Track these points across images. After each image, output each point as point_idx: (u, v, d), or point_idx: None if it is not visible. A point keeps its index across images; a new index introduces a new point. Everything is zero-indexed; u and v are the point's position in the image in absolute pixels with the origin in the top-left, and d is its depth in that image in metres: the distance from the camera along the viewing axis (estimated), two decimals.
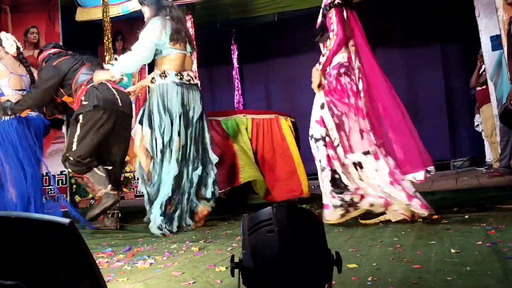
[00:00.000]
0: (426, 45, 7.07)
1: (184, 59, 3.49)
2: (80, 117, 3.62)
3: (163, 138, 3.29)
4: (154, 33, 3.34)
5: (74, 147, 3.63)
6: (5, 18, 6.01)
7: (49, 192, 5.91)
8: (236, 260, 1.26)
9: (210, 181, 3.50)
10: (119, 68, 3.42)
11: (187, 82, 3.44)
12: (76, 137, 3.63)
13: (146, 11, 3.52)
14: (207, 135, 3.54)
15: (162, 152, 3.29)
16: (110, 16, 5.74)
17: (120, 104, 3.69)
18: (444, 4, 6.54)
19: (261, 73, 7.83)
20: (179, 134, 3.32)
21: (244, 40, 7.40)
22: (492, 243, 2.06)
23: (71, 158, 3.65)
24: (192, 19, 6.30)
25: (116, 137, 3.79)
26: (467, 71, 6.15)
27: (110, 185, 3.68)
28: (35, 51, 5.91)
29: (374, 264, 1.89)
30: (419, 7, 6.64)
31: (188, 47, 3.53)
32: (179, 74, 3.41)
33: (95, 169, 3.69)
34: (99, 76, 3.61)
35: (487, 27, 5.06)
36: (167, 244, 2.80)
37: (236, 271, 1.24)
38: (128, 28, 6.98)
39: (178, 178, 3.31)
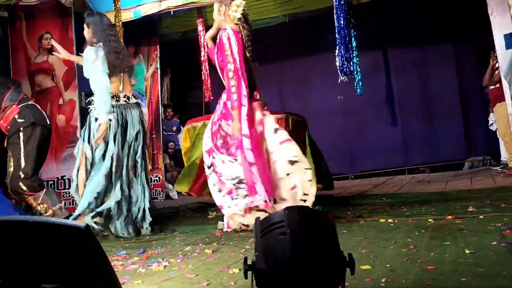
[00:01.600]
0: (439, 43, 7.02)
1: (120, 83, 3.67)
2: (21, 134, 3.82)
3: (94, 153, 3.49)
4: (103, 63, 3.49)
5: (23, 163, 3.81)
6: (20, 24, 6.10)
7: (64, 196, 5.98)
8: (249, 262, 1.27)
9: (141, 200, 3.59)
10: (104, 112, 3.45)
11: (124, 103, 3.62)
12: (22, 153, 3.81)
13: (88, 33, 3.65)
14: (140, 151, 3.65)
15: (92, 165, 3.49)
16: (122, 21, 5.80)
17: (48, 122, 4.04)
18: (456, 2, 6.48)
19: (273, 74, 7.84)
20: (112, 150, 3.48)
21: (255, 42, 7.41)
22: (508, 243, 2.04)
23: (23, 174, 3.80)
24: (203, 22, 6.34)
25: (46, 153, 4.15)
26: (481, 70, 6.09)
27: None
28: (49, 56, 6.00)
29: (388, 265, 1.89)
30: (431, 5, 6.59)
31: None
32: (115, 97, 3.58)
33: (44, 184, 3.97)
34: (99, 134, 3.53)
35: (500, 25, 5.01)
36: (181, 246, 2.83)
37: (249, 273, 1.25)
38: (140, 32, 7.05)
39: (106, 191, 3.46)
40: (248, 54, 3.37)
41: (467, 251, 1.98)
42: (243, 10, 3.34)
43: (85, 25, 3.69)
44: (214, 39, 3.40)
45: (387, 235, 2.53)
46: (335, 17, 4.98)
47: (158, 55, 6.98)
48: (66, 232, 1.42)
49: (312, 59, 7.41)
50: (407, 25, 6.99)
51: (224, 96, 3.34)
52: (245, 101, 3.14)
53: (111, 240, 3.33)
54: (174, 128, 7.66)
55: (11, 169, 3.86)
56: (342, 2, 4.83)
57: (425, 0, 6.33)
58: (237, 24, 3.33)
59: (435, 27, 6.86)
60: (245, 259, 1.27)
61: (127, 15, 6.07)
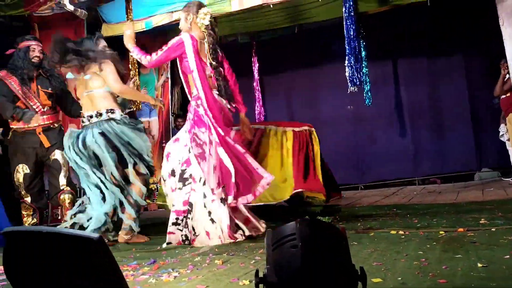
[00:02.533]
0: (449, 53, 7.00)
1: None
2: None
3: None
4: None
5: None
6: (33, 34, 6.18)
7: None
8: (260, 274, 1.27)
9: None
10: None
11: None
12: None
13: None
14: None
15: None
16: (134, 32, 5.86)
17: None
18: (466, 12, 6.48)
19: (281, 84, 7.86)
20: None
21: (264, 52, 7.44)
22: None
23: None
24: None
25: None
26: (492, 80, 6.06)
27: None
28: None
29: (399, 278, 1.88)
30: (440, 15, 6.59)
31: None
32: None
33: None
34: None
35: (511, 36, 4.98)
36: (191, 256, 2.83)
37: (261, 285, 1.25)
38: (151, 41, 7.12)
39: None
40: (211, 61, 3.47)
41: (479, 265, 1.96)
42: (210, 18, 3.49)
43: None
44: None
45: (398, 247, 2.51)
46: (344, 27, 5.01)
47: (169, 65, 7.03)
48: (81, 242, 1.44)
49: (321, 69, 7.43)
50: (416, 35, 6.99)
51: (193, 103, 3.43)
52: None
53: (122, 250, 3.35)
54: None
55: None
56: (352, 13, 4.85)
57: (434, 10, 6.32)
58: (203, 32, 3.47)
59: (444, 37, 6.85)
60: (257, 271, 1.27)
61: (139, 26, 6.14)
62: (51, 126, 4.20)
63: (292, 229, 1.29)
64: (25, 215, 4.14)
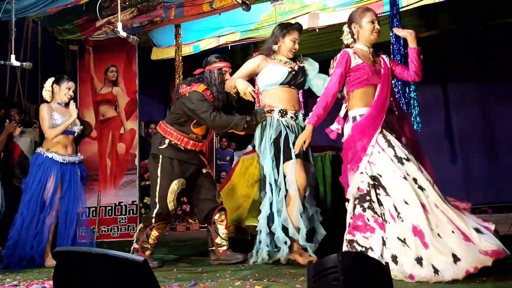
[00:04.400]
0: (501, 78, 6.76)
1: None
2: None
3: None
4: None
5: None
6: (88, 58, 6.51)
7: (120, 221, 6.19)
8: None
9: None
10: None
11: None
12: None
13: None
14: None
15: None
16: (182, 55, 6.06)
17: None
18: None
19: None
20: None
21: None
22: None
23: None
24: None
25: None
26: None
27: None
28: (114, 88, 6.34)
29: None
30: (492, 39, 6.40)
31: None
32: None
33: None
34: None
35: None
36: (231, 280, 2.83)
37: None
38: (197, 65, 7.31)
39: None
40: None
41: None
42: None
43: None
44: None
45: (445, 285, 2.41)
46: (391, 51, 4.96)
47: None
48: (127, 265, 1.49)
49: None
50: (467, 58, 6.81)
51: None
52: None
53: (164, 271, 3.40)
54: (228, 158, 7.78)
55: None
56: (401, 39, 4.81)
57: (485, 34, 6.16)
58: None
59: (496, 61, 6.63)
60: None
61: (187, 50, 6.36)
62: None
63: (334, 261, 1.27)
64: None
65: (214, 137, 7.50)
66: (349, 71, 2.88)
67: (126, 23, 5.41)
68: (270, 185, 3.35)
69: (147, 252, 3.66)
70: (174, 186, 3.60)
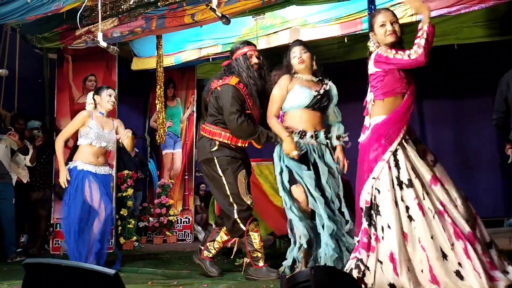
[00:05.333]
0: (476, 95, 6.92)
1: None
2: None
3: None
4: None
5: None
6: (67, 66, 6.43)
7: None
8: None
9: None
10: None
11: None
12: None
13: None
14: None
15: None
16: (163, 66, 6.05)
17: None
18: (494, 52, 6.42)
19: None
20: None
21: None
22: None
23: None
24: None
25: None
26: None
27: None
28: None
29: None
30: (468, 56, 6.56)
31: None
32: None
33: None
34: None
35: None
36: None
37: None
38: (179, 76, 7.31)
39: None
40: None
41: None
42: None
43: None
44: None
45: None
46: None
47: (195, 98, 7.18)
48: (98, 278, 1.46)
49: (347, 108, 7.42)
50: (442, 75, 6.96)
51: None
52: None
53: (139, 283, 3.34)
54: None
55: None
56: None
57: (462, 51, 6.31)
58: None
59: (471, 79, 6.80)
60: None
61: (168, 61, 6.35)
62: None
63: (306, 275, 1.27)
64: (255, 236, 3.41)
65: (194, 149, 7.47)
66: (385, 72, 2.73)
67: (106, 33, 5.37)
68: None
69: (261, 261, 3.38)
70: (241, 177, 3.42)
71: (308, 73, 3.39)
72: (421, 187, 2.58)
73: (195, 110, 7.20)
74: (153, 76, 6.22)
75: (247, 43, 3.64)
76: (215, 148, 3.46)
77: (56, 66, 6.46)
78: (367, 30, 5.10)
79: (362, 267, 2.42)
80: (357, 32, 5.44)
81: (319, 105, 3.33)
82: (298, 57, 3.34)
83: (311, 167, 3.22)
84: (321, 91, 3.35)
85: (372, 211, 2.61)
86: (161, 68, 5.97)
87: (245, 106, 3.45)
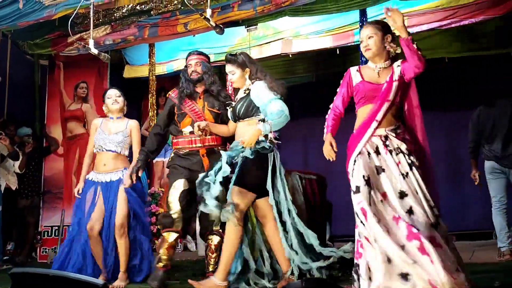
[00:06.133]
0: (467, 107, 6.95)
1: None
2: None
3: None
4: None
5: None
6: (58, 73, 6.41)
7: None
8: None
9: None
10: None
11: None
12: None
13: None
14: None
15: None
16: (155, 74, 6.05)
17: None
18: (485, 66, 6.49)
19: (298, 131, 7.90)
20: None
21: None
22: None
23: None
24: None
25: None
26: None
27: None
28: (83, 105, 6.23)
29: None
30: (460, 69, 6.62)
31: None
32: None
33: None
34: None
35: None
36: None
37: None
38: (171, 84, 7.29)
39: None
40: None
41: None
42: None
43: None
44: None
45: None
46: None
47: None
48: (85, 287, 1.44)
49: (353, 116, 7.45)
50: (435, 88, 7.01)
51: None
52: None
53: None
54: None
55: None
56: None
57: (455, 63, 6.37)
58: None
59: (463, 91, 6.84)
60: None
61: (161, 69, 6.35)
62: (215, 148, 3.69)
63: (298, 287, 1.27)
64: (164, 250, 3.49)
65: None
66: (353, 89, 2.92)
67: (99, 40, 5.36)
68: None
69: (161, 263, 3.47)
70: (177, 185, 3.52)
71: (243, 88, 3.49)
72: (368, 194, 2.62)
73: None
74: (144, 84, 6.21)
75: (198, 53, 3.88)
76: (170, 157, 3.77)
77: (47, 73, 6.44)
78: (359, 42, 5.21)
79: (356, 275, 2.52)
80: (348, 44, 5.50)
81: (238, 115, 3.40)
82: (229, 74, 3.44)
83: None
84: (232, 103, 3.49)
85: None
86: (154, 77, 5.97)
87: (172, 112, 3.76)
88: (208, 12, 4.00)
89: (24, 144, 5.68)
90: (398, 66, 2.84)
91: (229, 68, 3.39)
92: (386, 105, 2.77)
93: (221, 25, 4.27)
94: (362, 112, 2.86)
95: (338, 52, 5.91)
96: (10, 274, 1.49)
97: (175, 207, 3.46)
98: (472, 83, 6.74)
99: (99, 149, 3.91)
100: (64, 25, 4.93)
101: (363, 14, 4.98)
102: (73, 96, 6.30)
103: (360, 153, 2.78)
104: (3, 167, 5.41)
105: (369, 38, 2.84)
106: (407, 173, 2.68)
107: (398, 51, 2.86)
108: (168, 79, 7.06)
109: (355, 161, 2.78)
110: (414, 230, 2.49)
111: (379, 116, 2.76)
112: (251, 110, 3.34)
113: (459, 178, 6.94)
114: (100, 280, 1.39)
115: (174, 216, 3.45)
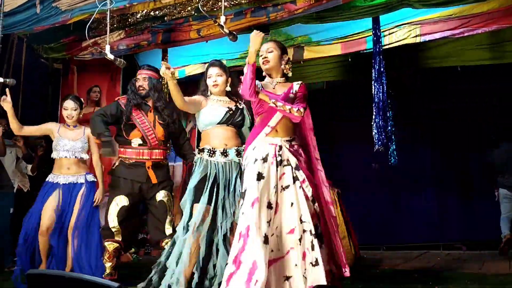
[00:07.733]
0: (481, 121, 6.91)
1: None
2: None
3: None
4: None
5: None
6: (71, 77, 6.48)
7: None
8: None
9: None
10: None
11: None
12: None
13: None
14: None
15: None
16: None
17: None
18: (501, 75, 6.40)
19: None
20: None
21: None
22: None
23: None
24: None
25: None
26: None
27: None
28: (96, 108, 6.28)
29: None
30: (474, 80, 6.55)
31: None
32: None
33: None
34: None
35: None
36: None
37: None
38: (183, 90, 7.32)
39: None
40: None
41: None
42: None
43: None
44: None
45: None
46: (373, 88, 5.06)
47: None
48: None
49: (346, 125, 7.42)
50: (447, 100, 6.97)
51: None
52: None
53: None
54: None
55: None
56: (383, 76, 4.93)
57: (465, 73, 6.33)
58: None
59: (476, 103, 6.79)
60: None
61: None
62: (161, 162, 3.98)
63: None
64: (106, 259, 3.84)
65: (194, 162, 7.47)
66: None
67: (112, 45, 5.41)
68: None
69: (105, 273, 3.78)
70: (116, 201, 3.83)
71: (222, 95, 3.50)
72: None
73: (196, 124, 7.20)
74: None
75: (148, 67, 4.17)
76: (114, 166, 4.07)
77: (61, 77, 6.51)
78: (371, 50, 5.20)
79: None
80: (361, 52, 5.50)
81: (232, 120, 3.41)
82: (213, 80, 3.46)
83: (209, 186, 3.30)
84: (233, 107, 3.44)
85: None
86: (165, 82, 6.01)
87: (120, 117, 3.97)
88: (222, 19, 4.03)
89: (37, 147, 5.74)
90: (298, 84, 3.10)
91: (218, 70, 3.48)
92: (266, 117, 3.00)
93: (234, 32, 4.29)
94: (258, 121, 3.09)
95: (349, 60, 5.91)
96: (27, 275, 1.51)
97: (113, 222, 3.81)
98: (486, 92, 6.70)
99: (65, 155, 4.19)
100: (78, 29, 4.99)
101: (375, 21, 4.99)
102: (86, 100, 6.34)
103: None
104: (17, 168, 5.49)
105: (269, 52, 3.09)
106: (288, 185, 2.84)
107: (290, 74, 3.14)
108: (180, 84, 7.10)
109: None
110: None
111: (272, 122, 2.97)
112: (238, 122, 3.50)
113: (469, 189, 6.89)
114: (114, 283, 1.41)
115: (113, 230, 3.82)
